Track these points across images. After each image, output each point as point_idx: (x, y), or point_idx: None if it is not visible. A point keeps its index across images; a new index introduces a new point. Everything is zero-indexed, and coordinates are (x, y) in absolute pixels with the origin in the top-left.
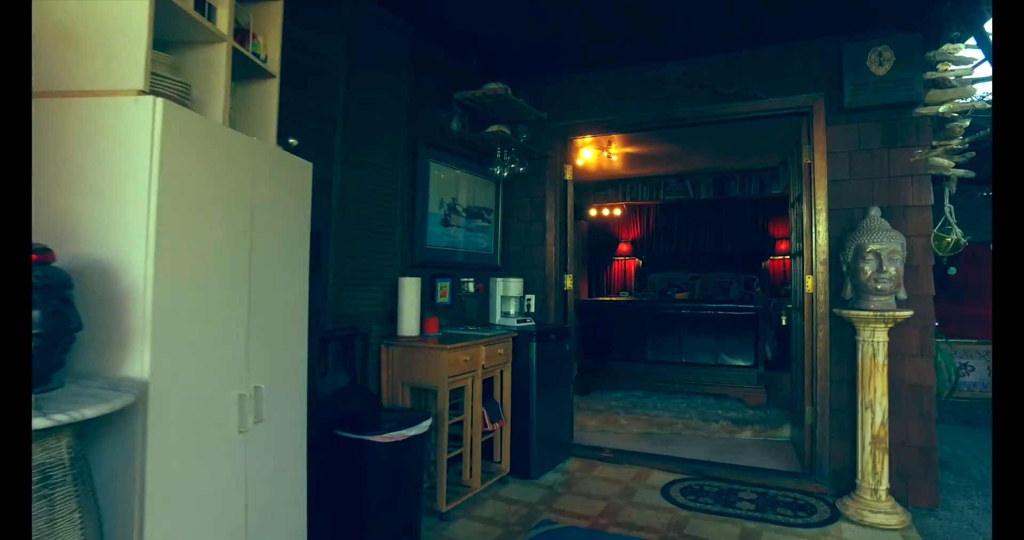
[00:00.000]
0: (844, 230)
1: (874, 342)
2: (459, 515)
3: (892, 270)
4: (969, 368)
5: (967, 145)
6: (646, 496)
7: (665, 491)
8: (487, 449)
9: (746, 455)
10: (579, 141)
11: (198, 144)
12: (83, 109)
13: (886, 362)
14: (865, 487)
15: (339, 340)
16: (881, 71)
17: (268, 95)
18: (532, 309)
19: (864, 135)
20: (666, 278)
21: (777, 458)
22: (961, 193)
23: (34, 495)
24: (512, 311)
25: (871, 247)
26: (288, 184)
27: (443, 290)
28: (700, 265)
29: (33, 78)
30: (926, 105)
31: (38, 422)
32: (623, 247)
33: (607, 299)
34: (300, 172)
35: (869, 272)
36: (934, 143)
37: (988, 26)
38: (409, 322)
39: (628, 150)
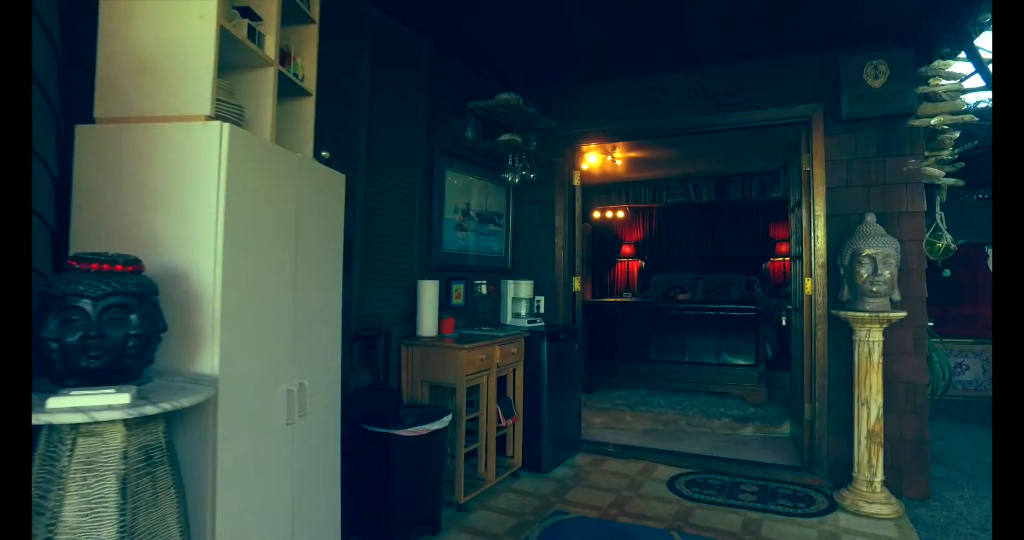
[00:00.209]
0: (842, 235)
1: (870, 342)
2: (476, 506)
3: (887, 273)
4: (964, 367)
5: (957, 156)
6: (653, 489)
7: (670, 484)
8: (500, 444)
9: (748, 450)
10: (585, 146)
11: (255, 162)
12: (159, 133)
13: (881, 361)
14: (861, 479)
15: (364, 340)
16: (877, 84)
17: (305, 112)
18: (542, 310)
19: (861, 144)
20: (668, 279)
21: (777, 453)
22: (955, 196)
23: (140, 472)
24: (523, 312)
25: (867, 251)
26: (325, 195)
27: (457, 292)
28: (702, 266)
29: (115, 105)
30: (919, 117)
31: (148, 409)
32: (626, 249)
33: (611, 300)
34: (335, 183)
35: (865, 275)
36: (926, 153)
37: (978, 42)
38: (428, 323)
39: (631, 154)
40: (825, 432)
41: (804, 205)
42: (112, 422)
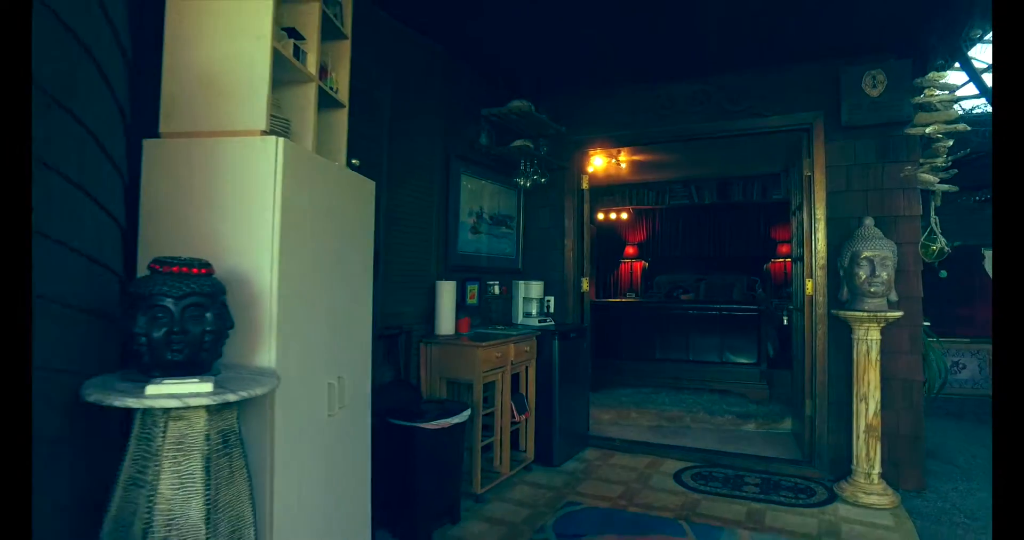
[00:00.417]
0: (841, 237)
1: (868, 340)
2: (492, 498)
3: (884, 275)
4: (960, 366)
5: (950, 162)
6: (660, 481)
7: (677, 477)
8: (513, 439)
9: (750, 445)
10: (592, 151)
11: (303, 173)
12: (220, 147)
13: (879, 358)
14: (859, 472)
15: (386, 338)
16: (875, 93)
17: (339, 122)
18: (551, 310)
19: (859, 151)
20: (671, 280)
21: (779, 448)
22: (952, 200)
23: (220, 453)
24: (533, 312)
25: (865, 254)
26: (357, 201)
27: (472, 293)
28: (704, 267)
29: (178, 120)
30: (915, 125)
31: (229, 396)
32: (629, 250)
33: (616, 300)
34: (366, 190)
35: (863, 276)
36: (921, 160)
37: (971, 53)
38: (446, 322)
39: (636, 158)
40: (825, 427)
41: (805, 209)
42: (197, 408)
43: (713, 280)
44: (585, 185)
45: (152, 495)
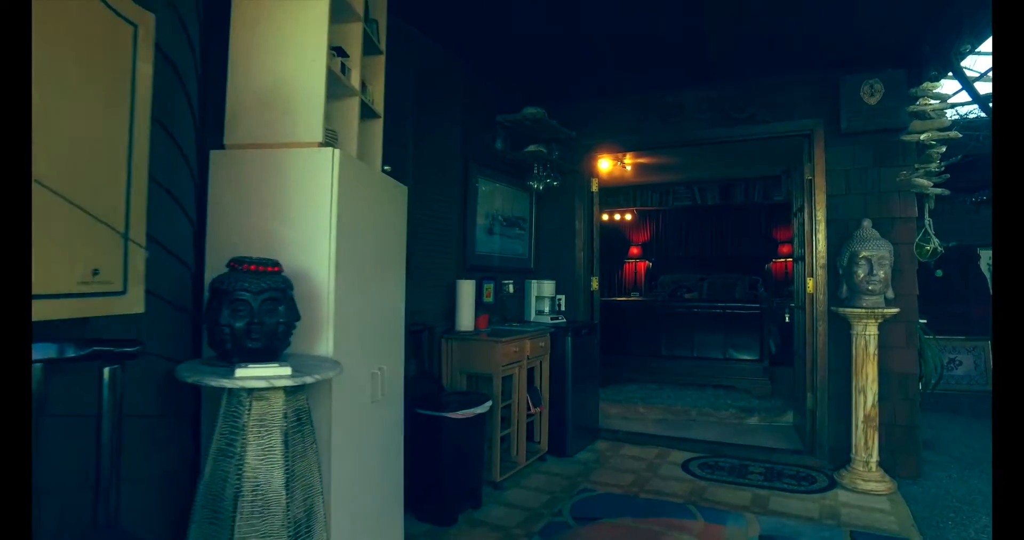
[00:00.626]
0: (841, 238)
1: (866, 335)
2: (510, 485)
3: (881, 273)
4: (957, 363)
5: (943, 168)
6: (668, 470)
7: (684, 466)
8: (528, 431)
9: (754, 437)
10: (601, 155)
11: (353, 180)
12: (281, 158)
13: (876, 352)
14: (858, 460)
15: (411, 334)
16: (873, 101)
17: (376, 131)
18: (563, 308)
19: (858, 156)
20: (675, 279)
21: (782, 439)
22: (949, 201)
23: (294, 430)
24: (546, 309)
25: (863, 253)
26: (393, 205)
27: (488, 291)
28: (707, 267)
29: (241, 133)
30: (910, 132)
31: (307, 379)
32: (634, 250)
33: (623, 299)
34: (400, 195)
35: (862, 275)
36: (916, 166)
37: (963, 63)
38: (465, 319)
39: (641, 160)
40: (826, 418)
41: (806, 211)
42: (276, 389)
43: (716, 279)
44: (595, 188)
45: (240, 465)
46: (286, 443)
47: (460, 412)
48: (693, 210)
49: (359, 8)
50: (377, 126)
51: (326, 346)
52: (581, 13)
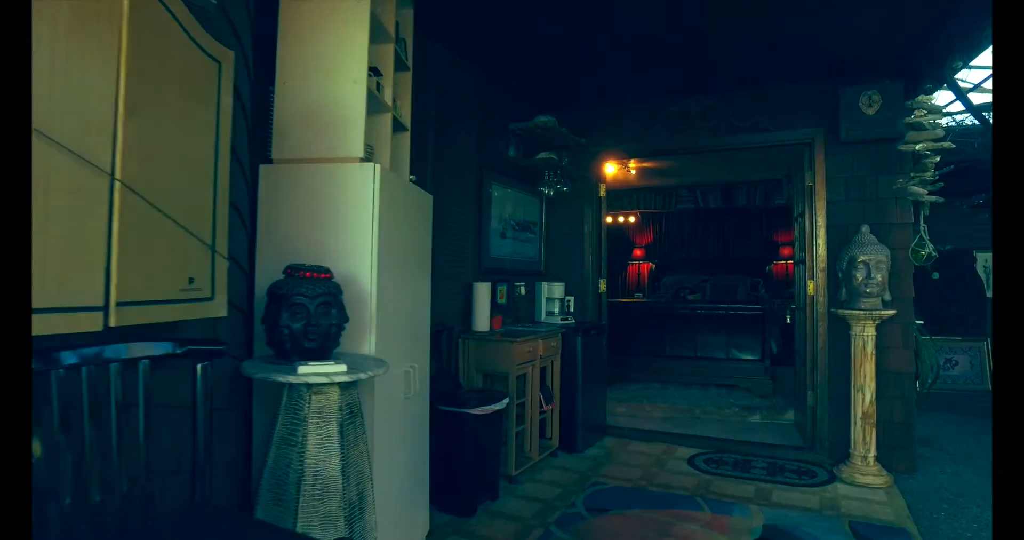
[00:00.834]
0: (840, 243)
1: (864, 336)
2: (524, 479)
3: (879, 277)
4: (953, 363)
5: (937, 176)
6: (675, 465)
7: (690, 461)
8: (540, 427)
9: (756, 434)
10: (608, 161)
11: (390, 191)
12: (326, 171)
13: (874, 352)
14: (856, 455)
15: (434, 334)
16: (871, 111)
17: (404, 143)
18: (572, 309)
19: (856, 164)
20: (678, 281)
21: (783, 436)
22: (946, 205)
23: (348, 421)
24: (556, 311)
25: (862, 258)
26: (420, 213)
27: (501, 293)
28: (709, 269)
29: (287, 148)
30: (906, 142)
31: (361, 375)
32: (637, 252)
33: (628, 300)
34: (426, 203)
35: (860, 278)
36: (912, 175)
37: (957, 76)
38: (481, 319)
39: (645, 165)
40: (825, 415)
41: (807, 216)
42: (332, 384)
43: (718, 281)
44: (602, 193)
45: (302, 452)
46: (342, 433)
47: (480, 408)
48: (696, 213)
49: (391, 30)
50: (405, 138)
51: (369, 346)
52: (591, 24)
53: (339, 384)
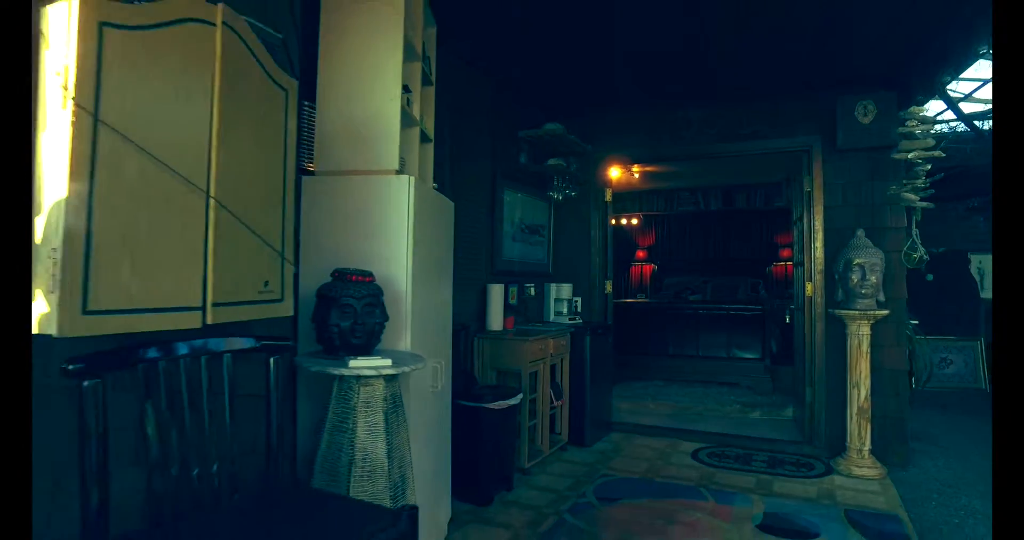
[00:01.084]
0: (837, 246)
1: (860, 335)
2: (536, 471)
3: (873, 278)
4: (948, 362)
5: (928, 184)
6: (679, 458)
7: (694, 455)
8: (550, 422)
9: (757, 429)
10: (614, 166)
11: (421, 200)
12: (364, 183)
13: (869, 351)
14: (852, 449)
15: (453, 333)
16: (866, 120)
17: (428, 154)
18: (579, 309)
19: (853, 171)
20: (680, 281)
21: (782, 431)
22: (942, 208)
23: (391, 411)
24: (564, 311)
25: (857, 260)
26: (444, 219)
27: (513, 294)
28: (710, 270)
29: (328, 161)
30: (899, 151)
31: (405, 368)
32: (640, 253)
33: (631, 300)
34: (448, 209)
35: (856, 280)
36: (904, 182)
37: (949, 86)
38: (495, 319)
39: (648, 168)
40: (823, 411)
41: (806, 220)
42: (379, 377)
43: (719, 282)
44: (608, 198)
45: (352, 438)
46: (387, 421)
47: (496, 403)
48: (697, 215)
49: (419, 49)
50: (430, 149)
51: (405, 342)
52: (598, 36)
53: (384, 376)
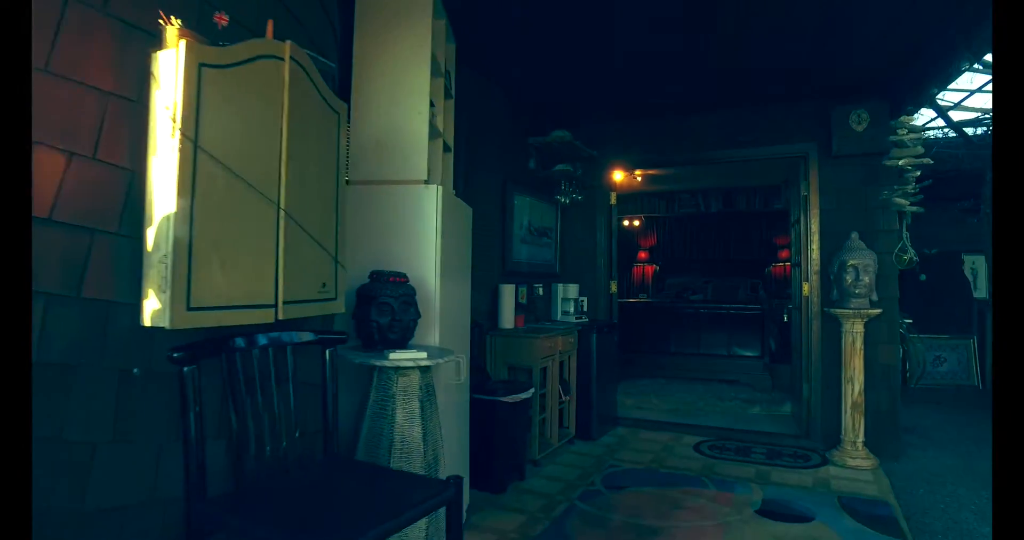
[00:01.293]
0: (832, 247)
1: (854, 332)
2: (547, 462)
3: (866, 279)
4: (942, 360)
5: (918, 190)
6: (682, 451)
7: (696, 447)
8: (559, 416)
9: (756, 424)
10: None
11: (447, 207)
12: (395, 192)
13: (862, 348)
14: (847, 441)
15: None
16: (859, 128)
17: (449, 163)
18: (585, 308)
19: (847, 176)
20: (681, 282)
21: (781, 426)
22: (935, 210)
23: (425, 399)
24: (571, 310)
25: (851, 262)
26: (463, 223)
27: (522, 294)
28: (711, 270)
29: (361, 171)
30: (891, 158)
31: (439, 360)
32: (642, 254)
33: (634, 300)
34: (467, 214)
35: (850, 280)
36: (895, 187)
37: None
38: (507, 318)
39: (650, 172)
40: (819, 406)
41: (803, 223)
42: (415, 368)
43: (719, 282)
44: (613, 201)
45: (392, 423)
46: (422, 408)
47: (510, 397)
48: (698, 217)
49: (443, 65)
50: (450, 158)
51: (434, 338)
52: (604, 47)
53: (420, 368)
